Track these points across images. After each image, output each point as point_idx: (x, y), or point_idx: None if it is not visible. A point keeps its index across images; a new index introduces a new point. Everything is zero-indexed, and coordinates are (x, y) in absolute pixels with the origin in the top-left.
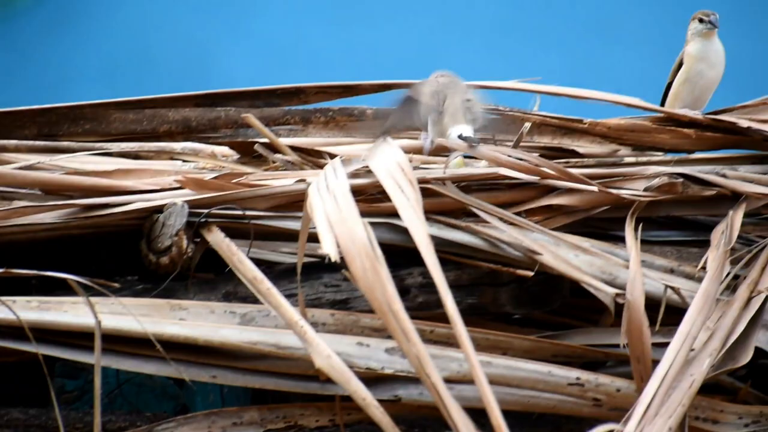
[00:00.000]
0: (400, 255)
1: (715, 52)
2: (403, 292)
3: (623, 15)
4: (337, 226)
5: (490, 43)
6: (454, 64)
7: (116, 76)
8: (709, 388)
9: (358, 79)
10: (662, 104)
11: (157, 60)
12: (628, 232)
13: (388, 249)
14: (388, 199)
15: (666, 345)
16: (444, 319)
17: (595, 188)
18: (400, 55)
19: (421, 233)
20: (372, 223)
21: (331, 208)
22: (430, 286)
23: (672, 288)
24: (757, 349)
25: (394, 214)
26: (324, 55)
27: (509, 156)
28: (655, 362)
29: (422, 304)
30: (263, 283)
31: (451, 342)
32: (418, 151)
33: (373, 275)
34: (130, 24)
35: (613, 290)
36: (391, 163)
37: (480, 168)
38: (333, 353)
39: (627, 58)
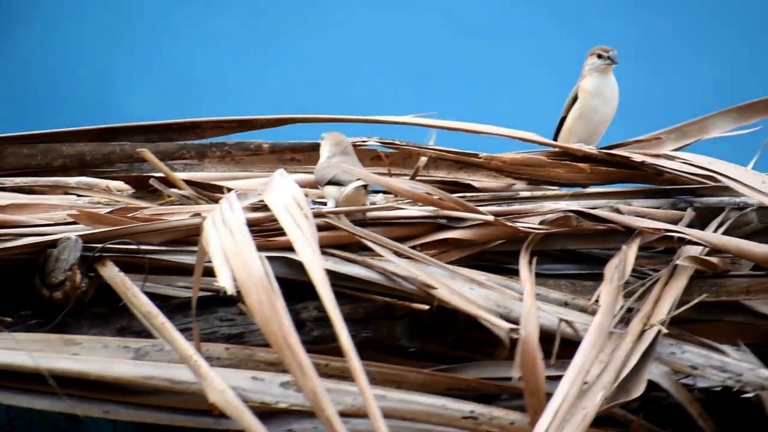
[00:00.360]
0: (296, 289)
1: (610, 88)
2: (299, 325)
3: (518, 51)
4: (234, 259)
5: (388, 77)
6: (351, 99)
7: (12, 108)
8: (602, 421)
9: (255, 113)
10: (555, 138)
11: (55, 93)
12: (523, 265)
13: (283, 283)
14: (284, 233)
15: (560, 378)
16: (339, 352)
17: (490, 218)
18: (297, 89)
19: (317, 267)
20: (268, 257)
21: (227, 241)
22: (325, 319)
23: (566, 321)
24: (650, 382)
25: (290, 248)
26: (221, 90)
27: (407, 186)
28: (549, 395)
29: (317, 338)
30: (157, 318)
31: (346, 376)
32: (315, 185)
33: (270, 309)
34: (25, 56)
35: (507, 324)
36: (286, 198)
37: (376, 205)
38: (227, 388)
39: (523, 92)
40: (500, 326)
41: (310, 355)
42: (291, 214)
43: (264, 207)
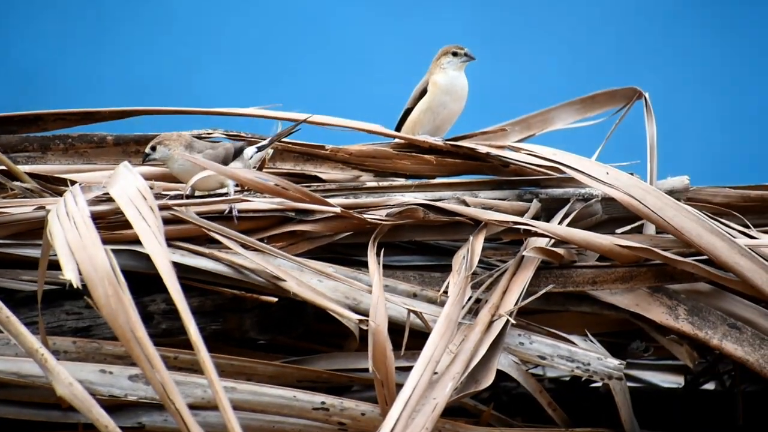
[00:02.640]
0: (144, 281)
1: (461, 86)
2: (147, 318)
3: (363, 42)
4: (79, 252)
5: (232, 70)
6: (196, 90)
7: None
8: (452, 411)
9: (98, 106)
10: (398, 129)
11: None
12: (371, 257)
13: (131, 275)
14: (130, 225)
15: (410, 369)
16: (188, 345)
17: (338, 210)
18: (141, 82)
19: (163, 260)
20: (114, 250)
21: (72, 234)
22: (173, 312)
23: (415, 312)
24: (500, 372)
25: (137, 241)
26: (63, 84)
27: (254, 177)
28: (400, 386)
29: (166, 331)
30: (2, 312)
31: (196, 368)
32: (161, 177)
33: (116, 302)
34: None
35: (356, 316)
36: (131, 190)
37: (223, 198)
38: (75, 381)
39: (368, 84)
40: (349, 318)
41: (159, 348)
42: (136, 206)
43: (109, 200)
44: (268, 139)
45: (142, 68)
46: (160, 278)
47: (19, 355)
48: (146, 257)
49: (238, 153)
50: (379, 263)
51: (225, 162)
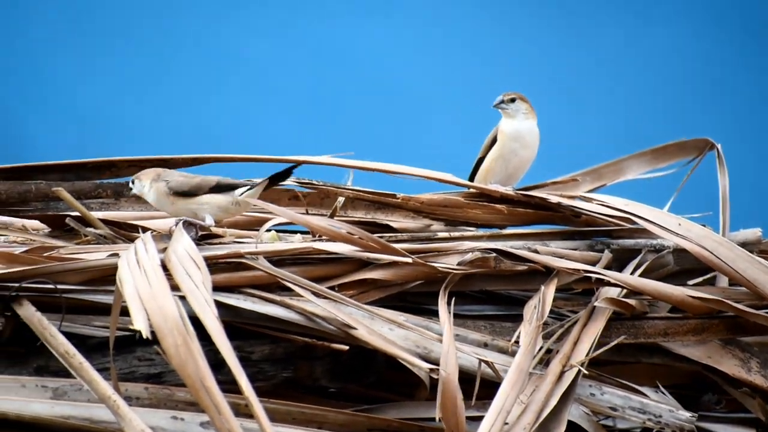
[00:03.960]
0: None
1: (529, 132)
2: (218, 365)
3: (435, 92)
4: (148, 301)
5: (304, 118)
6: (268, 138)
7: None
8: None
9: (170, 153)
10: (471, 179)
11: None
12: (442, 305)
13: (202, 323)
14: None
15: (480, 419)
16: (263, 392)
17: (409, 259)
18: (213, 129)
19: (211, 319)
20: (184, 298)
21: (142, 283)
22: (245, 360)
23: (486, 362)
24: (570, 423)
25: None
26: (137, 128)
27: (327, 225)
28: None
29: None
30: (75, 358)
31: (270, 415)
32: (234, 225)
33: (185, 351)
34: None
35: (427, 365)
36: (180, 251)
37: (294, 242)
38: (147, 428)
39: (439, 133)
40: (420, 366)
41: (229, 395)
42: (183, 264)
43: None
44: (260, 181)
45: (213, 114)
46: (233, 325)
47: (92, 401)
48: (219, 304)
49: (223, 188)
50: (449, 312)
51: (198, 191)
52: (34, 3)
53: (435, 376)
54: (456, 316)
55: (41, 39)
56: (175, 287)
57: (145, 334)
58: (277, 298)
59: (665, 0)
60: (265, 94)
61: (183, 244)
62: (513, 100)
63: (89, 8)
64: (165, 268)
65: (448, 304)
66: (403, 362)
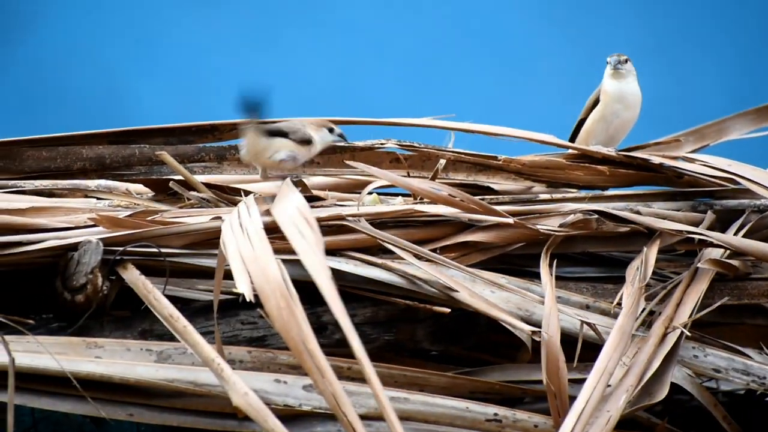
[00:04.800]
0: (317, 291)
1: (632, 93)
2: (321, 328)
3: (535, 53)
4: (251, 265)
5: (405, 80)
6: (370, 100)
7: (30, 111)
8: (626, 424)
9: (272, 115)
10: (572, 140)
11: (72, 96)
12: (543, 268)
13: (305, 285)
14: None
15: (583, 381)
16: None
17: (510, 220)
18: (315, 91)
19: (323, 278)
20: (288, 261)
21: (245, 246)
22: None
23: (588, 324)
24: (673, 385)
25: None
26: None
27: (428, 187)
28: (573, 398)
29: (340, 341)
30: (179, 321)
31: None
32: (334, 187)
33: (288, 314)
34: (43, 60)
35: (529, 327)
36: (291, 209)
37: (395, 205)
38: (250, 391)
39: (540, 94)
40: (522, 329)
41: (332, 358)
42: (296, 224)
43: None
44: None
45: (315, 77)
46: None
47: (196, 364)
48: None
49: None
50: (551, 274)
51: (302, 140)
52: None
53: (537, 339)
54: (558, 278)
55: (149, 2)
56: (277, 250)
57: (249, 296)
58: (379, 260)
59: None
60: (365, 57)
61: (295, 202)
62: (626, 61)
63: None
64: (268, 230)
65: (550, 266)
66: (505, 324)
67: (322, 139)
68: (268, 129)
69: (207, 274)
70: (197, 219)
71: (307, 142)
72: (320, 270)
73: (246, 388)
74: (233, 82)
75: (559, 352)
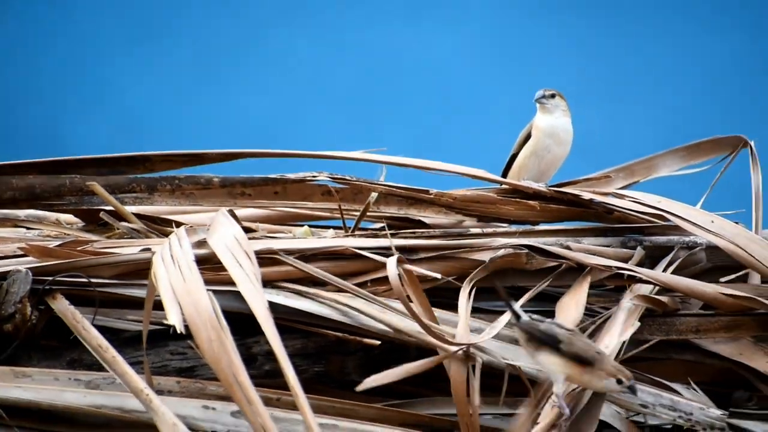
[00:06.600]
0: (247, 322)
1: (563, 129)
2: (250, 359)
3: (469, 88)
4: (183, 297)
5: (338, 114)
6: (302, 134)
7: None
8: None
9: (205, 148)
10: (505, 175)
11: (2, 125)
12: (463, 296)
13: (235, 317)
14: None
15: (512, 415)
16: None
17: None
18: (247, 126)
19: (261, 308)
20: (218, 292)
21: (176, 278)
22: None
23: (512, 365)
24: (600, 421)
25: None
26: (172, 126)
27: None
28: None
29: (269, 372)
30: (108, 351)
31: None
32: (265, 220)
33: (219, 347)
34: None
35: (454, 348)
36: (228, 238)
37: (326, 239)
38: (179, 422)
39: (472, 130)
40: (445, 349)
41: (262, 389)
42: (233, 253)
43: None
44: None
45: (249, 111)
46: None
47: (125, 391)
48: None
49: None
50: (468, 303)
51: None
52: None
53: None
54: (487, 311)
55: (76, 35)
56: (208, 281)
57: (179, 329)
58: (311, 290)
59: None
60: (300, 90)
61: (232, 232)
62: (553, 96)
63: (130, 4)
64: (198, 261)
65: (479, 298)
66: (435, 346)
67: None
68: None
69: (137, 304)
70: (128, 250)
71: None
72: (258, 300)
73: (175, 419)
74: (167, 117)
75: (463, 376)
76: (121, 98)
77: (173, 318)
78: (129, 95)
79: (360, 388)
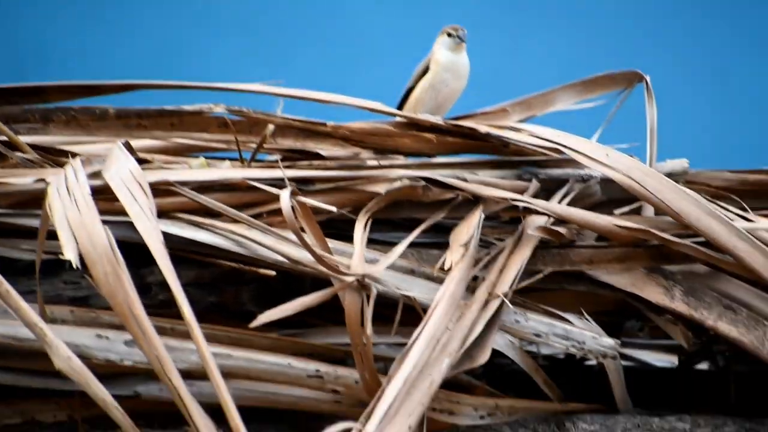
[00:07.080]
0: (142, 252)
1: (462, 64)
2: (145, 289)
3: (366, 22)
4: (78, 230)
5: (235, 45)
6: (199, 64)
7: None
8: (446, 385)
9: (101, 79)
10: (400, 108)
11: None
12: (358, 227)
13: (130, 247)
14: None
15: (404, 345)
16: None
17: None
18: (144, 58)
19: (156, 242)
20: (114, 223)
21: (72, 211)
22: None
23: (408, 297)
24: (493, 350)
25: None
26: (66, 58)
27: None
28: (391, 359)
29: (163, 302)
30: (2, 285)
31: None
32: (162, 150)
33: (114, 280)
34: None
35: (350, 278)
36: (124, 172)
37: (222, 170)
38: (73, 355)
39: (371, 64)
40: (340, 279)
41: (156, 318)
42: (128, 188)
43: None
44: None
45: (145, 42)
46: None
47: (17, 320)
48: None
49: None
50: (364, 234)
51: None
52: None
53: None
54: (384, 243)
55: None
56: (103, 211)
57: (75, 263)
58: (207, 221)
59: None
60: (196, 19)
61: (128, 166)
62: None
63: None
64: (94, 191)
65: (374, 229)
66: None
67: None
68: None
69: (31, 233)
70: (21, 180)
71: None
72: (153, 234)
73: (69, 352)
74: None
75: (358, 303)
76: (12, 29)
77: (69, 253)
78: (21, 26)
79: (254, 323)
